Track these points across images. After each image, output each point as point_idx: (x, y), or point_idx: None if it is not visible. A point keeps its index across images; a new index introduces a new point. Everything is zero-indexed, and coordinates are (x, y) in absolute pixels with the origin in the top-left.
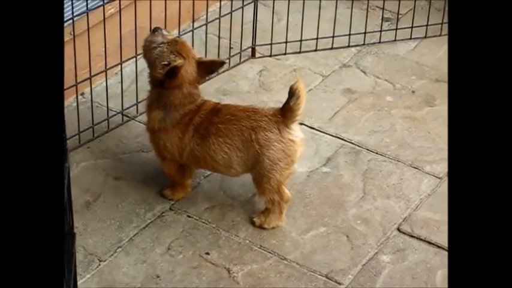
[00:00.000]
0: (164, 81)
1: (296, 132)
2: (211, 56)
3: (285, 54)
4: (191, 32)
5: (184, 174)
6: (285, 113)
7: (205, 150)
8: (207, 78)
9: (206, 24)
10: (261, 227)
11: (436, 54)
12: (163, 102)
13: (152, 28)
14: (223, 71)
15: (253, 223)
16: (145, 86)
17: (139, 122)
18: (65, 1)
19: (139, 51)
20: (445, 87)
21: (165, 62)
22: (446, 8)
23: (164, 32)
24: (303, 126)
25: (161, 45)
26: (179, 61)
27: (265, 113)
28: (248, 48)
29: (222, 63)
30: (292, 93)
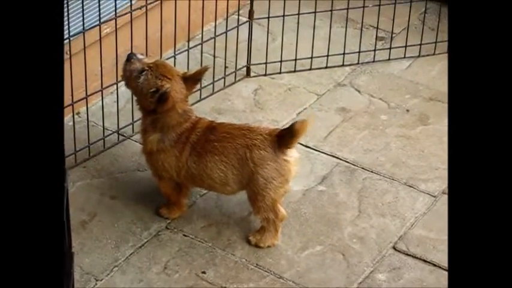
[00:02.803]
0: (156, 107)
1: (291, 152)
2: (207, 75)
3: (279, 73)
4: (186, 52)
5: (180, 193)
6: (281, 141)
7: (201, 168)
8: (195, 88)
9: (201, 44)
10: (256, 246)
11: (429, 73)
12: (159, 126)
13: (126, 55)
14: (218, 90)
15: (249, 242)
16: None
17: (134, 141)
18: None
19: None
20: (438, 105)
21: (153, 89)
22: (440, 27)
23: (139, 57)
24: (298, 145)
25: (143, 73)
26: (167, 85)
27: (260, 132)
28: (243, 67)
29: (205, 69)
30: (292, 131)
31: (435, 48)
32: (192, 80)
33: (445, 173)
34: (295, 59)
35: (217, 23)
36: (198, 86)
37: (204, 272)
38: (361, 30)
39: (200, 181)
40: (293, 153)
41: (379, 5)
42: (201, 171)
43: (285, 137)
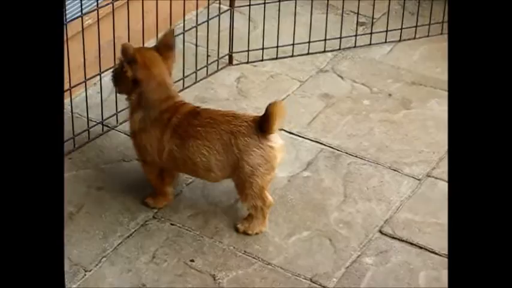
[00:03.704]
0: (132, 73)
1: (275, 138)
2: (189, 65)
3: (262, 60)
4: None
5: (164, 181)
6: (262, 127)
7: (184, 152)
8: (173, 55)
9: (183, 33)
10: (244, 233)
11: (411, 57)
12: (143, 102)
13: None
14: (201, 79)
15: (236, 229)
16: (124, 96)
17: (119, 131)
18: None
19: (118, 61)
20: (420, 89)
21: (123, 59)
22: (420, 12)
23: None
24: (282, 131)
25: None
26: (131, 48)
27: (245, 119)
28: (225, 55)
29: (170, 32)
30: (267, 115)
31: (416, 33)
32: (164, 47)
33: (428, 156)
34: (277, 46)
35: (198, 12)
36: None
37: (192, 260)
38: (342, 16)
39: (183, 166)
40: (278, 140)
41: None
42: (184, 155)
43: (264, 123)
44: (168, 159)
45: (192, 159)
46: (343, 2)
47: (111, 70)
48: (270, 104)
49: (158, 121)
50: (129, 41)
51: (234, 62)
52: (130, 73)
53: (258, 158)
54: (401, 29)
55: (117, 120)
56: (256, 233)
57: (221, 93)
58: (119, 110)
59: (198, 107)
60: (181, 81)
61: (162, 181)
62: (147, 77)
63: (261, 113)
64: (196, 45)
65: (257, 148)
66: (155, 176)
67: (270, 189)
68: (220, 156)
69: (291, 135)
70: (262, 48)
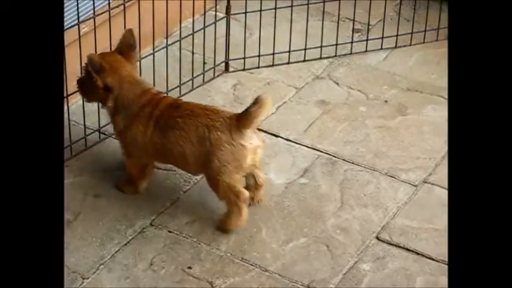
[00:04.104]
0: (102, 81)
1: (249, 138)
2: (185, 72)
3: (258, 67)
4: (165, 49)
5: (144, 175)
6: (241, 118)
7: (164, 142)
8: (135, 54)
9: (179, 40)
10: (224, 229)
11: (406, 64)
12: (120, 104)
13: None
14: (198, 86)
15: (219, 229)
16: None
17: (115, 139)
18: None
19: None
20: (416, 96)
21: (90, 69)
22: (415, 18)
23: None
24: (279, 138)
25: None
26: (91, 55)
27: (222, 115)
28: (222, 62)
29: (128, 31)
30: (257, 101)
31: (411, 39)
32: (125, 48)
33: (425, 162)
34: (273, 53)
35: (194, 19)
36: (138, 55)
37: (190, 267)
38: (338, 22)
39: (164, 156)
40: (253, 140)
41: None
42: (164, 146)
43: (245, 113)
44: (152, 152)
45: (171, 149)
46: (339, 8)
47: (76, 81)
48: (259, 96)
49: (140, 116)
50: None
51: (231, 69)
52: (100, 82)
53: (228, 154)
54: (397, 35)
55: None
56: (235, 227)
57: (218, 100)
58: None
59: (179, 100)
60: (178, 88)
61: (141, 174)
62: (118, 80)
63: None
64: (192, 53)
65: (228, 144)
66: (136, 170)
67: (266, 195)
68: (194, 147)
69: (288, 142)
70: (259, 56)
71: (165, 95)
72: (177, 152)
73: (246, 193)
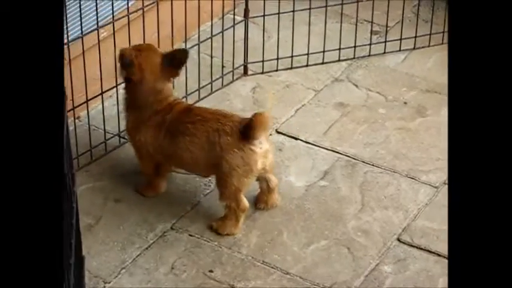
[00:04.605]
0: (126, 75)
1: (259, 143)
2: (204, 76)
3: (276, 70)
4: None
5: (159, 174)
6: (245, 132)
7: (174, 148)
8: (177, 71)
9: (198, 44)
10: (216, 232)
11: (425, 65)
12: (137, 103)
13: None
14: (217, 90)
15: (210, 227)
16: None
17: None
18: None
19: None
20: (435, 97)
21: (119, 63)
22: (434, 19)
23: None
24: (298, 141)
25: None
26: (133, 52)
27: (232, 119)
28: (240, 66)
29: (184, 51)
30: (251, 123)
31: (430, 40)
32: (174, 61)
33: (445, 164)
34: (292, 56)
35: (213, 23)
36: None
37: (211, 271)
38: (356, 25)
39: (173, 161)
40: (263, 145)
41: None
42: (174, 151)
43: (246, 130)
44: (161, 155)
45: (181, 155)
46: (357, 11)
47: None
48: (255, 114)
49: (151, 122)
50: None
51: (249, 72)
52: (124, 73)
53: (238, 159)
54: (415, 37)
55: None
56: (227, 234)
57: (236, 103)
58: None
59: (192, 105)
60: (197, 92)
61: (157, 174)
62: (139, 79)
63: (276, 122)
64: (211, 56)
65: (238, 149)
66: (150, 170)
67: (287, 198)
68: (205, 153)
69: (307, 145)
70: (277, 58)
71: (181, 100)
72: (187, 157)
73: (246, 203)
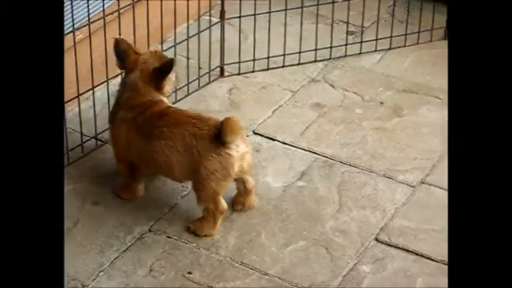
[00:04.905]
0: (118, 60)
1: (236, 146)
2: (180, 77)
3: (253, 71)
4: None
5: (134, 177)
6: (219, 136)
7: (148, 151)
8: (163, 81)
9: (174, 46)
10: (194, 234)
11: (401, 65)
12: (119, 96)
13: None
14: (193, 91)
15: (188, 229)
16: None
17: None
18: None
19: (110, 75)
20: (412, 97)
21: (114, 50)
22: (409, 19)
23: None
24: (276, 142)
25: None
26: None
27: (209, 123)
28: (217, 67)
29: (170, 61)
30: (221, 128)
31: (405, 40)
32: (163, 67)
33: (422, 163)
34: (268, 57)
35: (189, 25)
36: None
37: (190, 273)
38: (332, 25)
39: (149, 164)
40: (239, 148)
41: (349, 0)
42: (149, 154)
43: (219, 135)
44: (136, 156)
45: (156, 158)
46: (332, 11)
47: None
48: (224, 119)
49: (123, 119)
50: None
51: (226, 73)
52: (118, 63)
53: (216, 163)
54: (391, 37)
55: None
56: (205, 235)
57: (213, 105)
58: None
59: (170, 107)
60: (174, 93)
61: (132, 176)
62: (128, 75)
63: (254, 124)
64: (187, 58)
65: (215, 153)
66: (126, 170)
67: (264, 199)
68: (181, 157)
69: (285, 146)
70: (254, 60)
71: (162, 102)
72: (162, 161)
73: (225, 205)
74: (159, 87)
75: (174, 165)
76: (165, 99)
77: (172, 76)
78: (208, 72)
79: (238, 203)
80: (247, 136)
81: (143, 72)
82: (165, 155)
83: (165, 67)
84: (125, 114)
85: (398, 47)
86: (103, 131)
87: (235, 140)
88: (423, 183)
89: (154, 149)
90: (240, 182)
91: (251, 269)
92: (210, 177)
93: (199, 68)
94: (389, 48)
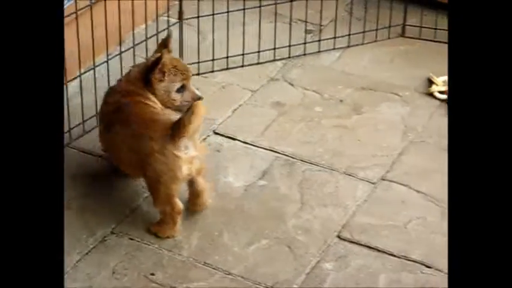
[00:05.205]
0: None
1: (185, 148)
2: None
3: (212, 71)
4: (119, 56)
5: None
6: (174, 127)
7: (110, 144)
8: (151, 76)
9: (133, 47)
10: (156, 236)
11: (360, 63)
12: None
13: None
14: None
15: (148, 231)
16: (86, 111)
17: (72, 148)
18: None
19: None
20: (371, 94)
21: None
22: (367, 17)
23: None
24: (236, 141)
25: None
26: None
27: (160, 123)
28: None
29: (159, 57)
30: (189, 108)
31: (363, 38)
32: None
33: (382, 160)
34: (227, 57)
35: (147, 25)
36: None
37: (152, 274)
38: (290, 24)
39: (112, 155)
40: (188, 150)
41: None
42: (110, 146)
43: (175, 127)
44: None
45: (113, 151)
46: (290, 10)
47: None
48: (193, 104)
49: (102, 111)
50: (79, 56)
51: None
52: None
53: (162, 165)
54: (349, 35)
55: (70, 137)
56: (168, 237)
57: None
58: (71, 126)
59: (129, 102)
60: None
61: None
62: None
63: (214, 124)
64: (146, 59)
65: (161, 154)
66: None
67: (226, 198)
68: (130, 155)
69: (245, 145)
70: (213, 59)
71: (144, 102)
72: (116, 155)
73: (181, 205)
74: (146, 82)
75: (125, 162)
76: (152, 98)
77: (188, 89)
78: None
79: (190, 204)
80: (204, 139)
81: (138, 72)
82: (118, 150)
83: (152, 63)
84: (104, 108)
85: (357, 44)
86: (71, 129)
87: (192, 124)
88: (383, 179)
89: (111, 142)
90: (191, 184)
91: (214, 269)
92: (158, 180)
93: None
94: (348, 46)
